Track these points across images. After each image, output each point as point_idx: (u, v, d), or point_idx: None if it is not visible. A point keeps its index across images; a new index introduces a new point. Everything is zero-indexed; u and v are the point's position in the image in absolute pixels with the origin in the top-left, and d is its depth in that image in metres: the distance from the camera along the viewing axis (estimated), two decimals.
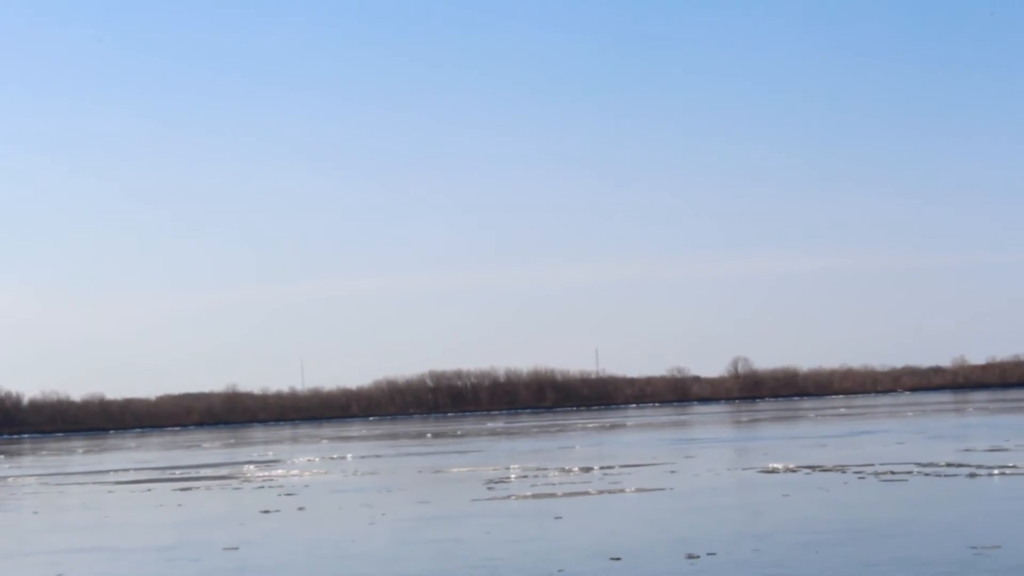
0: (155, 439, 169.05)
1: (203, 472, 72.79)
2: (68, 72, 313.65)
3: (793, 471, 51.20)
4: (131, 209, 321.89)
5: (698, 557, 27.81)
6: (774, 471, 51.93)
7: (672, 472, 54.26)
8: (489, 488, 49.37)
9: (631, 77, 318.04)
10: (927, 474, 46.66)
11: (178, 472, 74.13)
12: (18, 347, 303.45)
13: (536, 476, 54.74)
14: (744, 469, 54.11)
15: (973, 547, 27.50)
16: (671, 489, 45.63)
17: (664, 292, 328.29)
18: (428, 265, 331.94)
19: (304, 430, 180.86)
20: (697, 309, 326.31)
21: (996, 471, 46.09)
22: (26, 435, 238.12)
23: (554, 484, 49.72)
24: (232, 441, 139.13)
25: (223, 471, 72.59)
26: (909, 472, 47.74)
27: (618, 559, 28.14)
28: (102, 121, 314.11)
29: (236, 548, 33.45)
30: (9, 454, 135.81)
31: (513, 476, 55.39)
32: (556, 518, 37.32)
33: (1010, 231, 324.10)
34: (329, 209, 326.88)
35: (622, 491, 45.57)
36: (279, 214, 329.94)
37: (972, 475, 45.22)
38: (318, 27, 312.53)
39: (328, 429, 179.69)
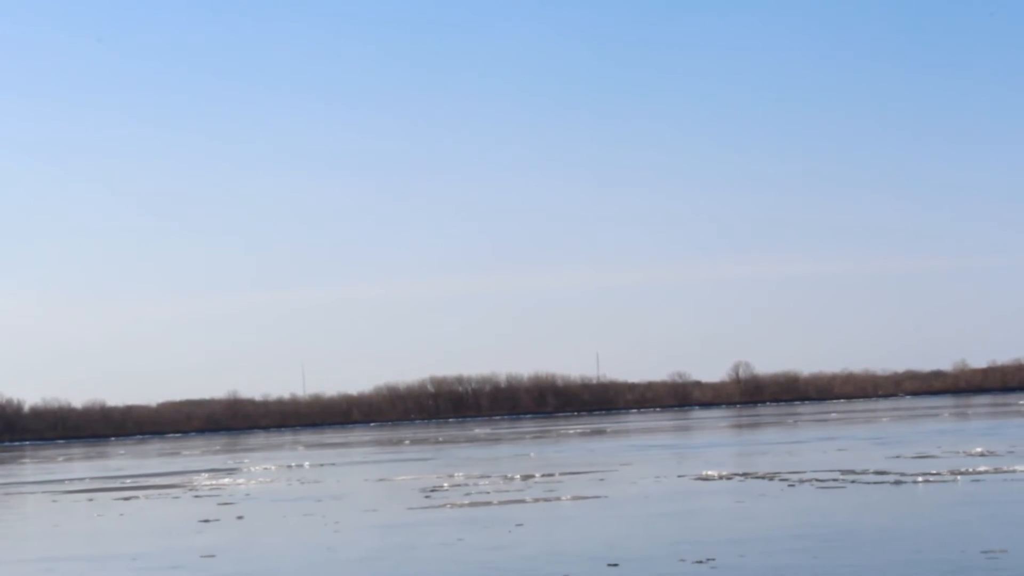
0: (152, 446, 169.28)
1: (154, 481, 72.75)
2: (68, 76, 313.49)
3: (728, 478, 51.19)
4: (132, 215, 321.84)
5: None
6: (708, 478, 51.94)
7: (601, 480, 54.17)
8: (426, 497, 49.36)
9: (630, 82, 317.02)
10: (853, 481, 46.57)
11: (128, 481, 74.18)
12: (19, 354, 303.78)
13: (475, 484, 54.68)
14: (679, 476, 54.04)
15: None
16: (605, 497, 45.43)
17: (665, 297, 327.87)
18: (429, 271, 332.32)
19: (304, 436, 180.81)
20: (698, 314, 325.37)
21: (920, 479, 46.03)
22: (27, 442, 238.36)
23: (488, 492, 49.67)
24: (217, 448, 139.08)
25: (174, 480, 72.53)
26: (835, 479, 47.64)
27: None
28: (102, 126, 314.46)
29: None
30: None
31: (447, 485, 55.32)
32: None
33: (1010, 235, 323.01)
34: (330, 215, 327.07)
35: (558, 499, 45.42)
36: (280, 220, 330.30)
37: (897, 482, 45.17)
38: (317, 32, 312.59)
39: (327, 435, 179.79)
